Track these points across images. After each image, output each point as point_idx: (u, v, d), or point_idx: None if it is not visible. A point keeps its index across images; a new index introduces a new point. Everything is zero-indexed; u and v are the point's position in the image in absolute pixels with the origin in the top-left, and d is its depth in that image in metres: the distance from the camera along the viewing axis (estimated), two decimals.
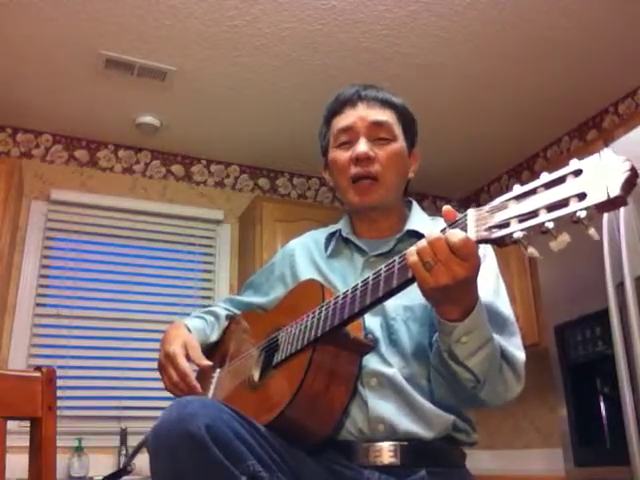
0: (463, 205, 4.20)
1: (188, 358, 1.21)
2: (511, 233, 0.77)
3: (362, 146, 1.20)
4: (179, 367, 1.18)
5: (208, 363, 1.22)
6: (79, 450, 2.87)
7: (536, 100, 3.10)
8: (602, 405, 2.09)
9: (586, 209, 0.70)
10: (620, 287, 1.94)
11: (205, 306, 1.53)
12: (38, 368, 1.11)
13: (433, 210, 4.10)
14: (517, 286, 3.00)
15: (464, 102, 3.13)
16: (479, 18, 2.55)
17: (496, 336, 1.03)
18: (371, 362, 1.10)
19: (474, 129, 3.38)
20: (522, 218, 0.76)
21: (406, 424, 1.06)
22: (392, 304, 1.11)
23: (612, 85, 2.99)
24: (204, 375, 1.30)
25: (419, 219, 1.26)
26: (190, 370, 1.19)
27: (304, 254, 1.33)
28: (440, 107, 3.14)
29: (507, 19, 2.55)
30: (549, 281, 2.38)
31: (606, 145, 2.17)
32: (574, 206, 0.71)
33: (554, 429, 3.08)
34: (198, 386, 1.17)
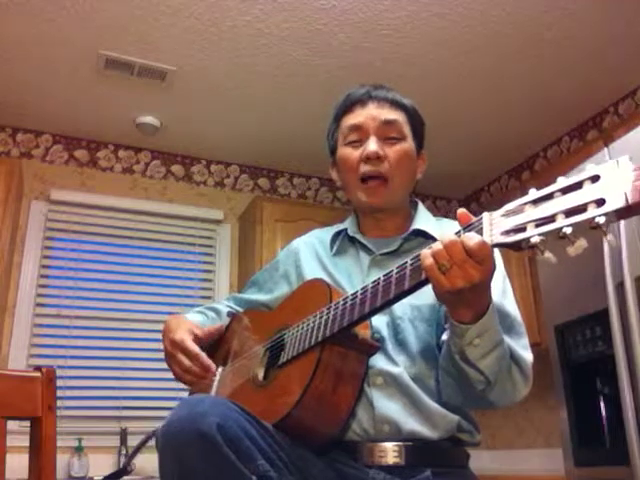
0: (463, 205, 4.20)
1: (196, 338, 1.21)
2: (528, 237, 0.77)
3: (372, 145, 1.20)
4: (189, 350, 1.18)
5: (218, 326, 1.27)
6: (79, 450, 2.87)
7: (536, 100, 3.10)
8: (602, 405, 2.09)
9: (605, 215, 0.70)
10: (620, 287, 1.95)
11: None
12: (38, 368, 1.11)
13: (434, 210, 4.10)
14: (517, 286, 2.99)
15: (464, 102, 3.13)
16: (479, 18, 2.55)
17: (504, 337, 1.03)
18: (378, 361, 1.10)
19: (474, 129, 3.38)
20: (539, 223, 0.76)
21: (411, 424, 1.06)
22: (399, 303, 1.10)
23: (612, 85, 2.99)
24: (205, 374, 1.29)
25: (425, 219, 1.27)
26: (201, 350, 1.19)
27: (309, 252, 1.33)
28: (440, 107, 3.14)
29: (507, 19, 2.55)
30: (549, 281, 2.38)
31: (606, 145, 2.17)
32: (593, 212, 0.71)
33: (554, 429, 3.08)
34: (212, 364, 1.17)
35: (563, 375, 2.21)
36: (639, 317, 1.88)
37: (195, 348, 1.18)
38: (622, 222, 1.99)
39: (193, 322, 1.31)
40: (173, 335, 1.21)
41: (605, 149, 2.14)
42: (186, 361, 1.18)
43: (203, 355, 1.17)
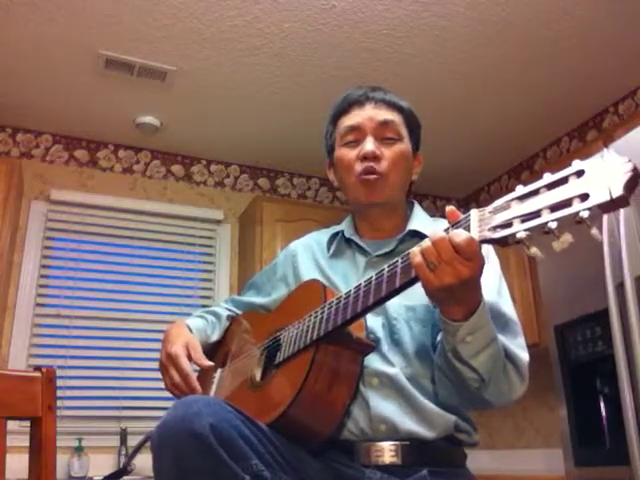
0: (463, 205, 4.20)
1: (190, 358, 1.21)
2: (514, 233, 0.78)
3: (369, 145, 1.21)
4: (181, 368, 1.18)
5: (210, 364, 1.22)
6: (79, 450, 2.87)
7: (536, 100, 3.10)
8: (602, 405, 2.09)
9: (589, 209, 0.70)
10: (620, 287, 1.94)
11: (205, 306, 1.53)
12: (38, 368, 1.11)
13: (433, 210, 4.10)
14: (517, 286, 3.00)
15: (464, 102, 3.13)
16: (479, 18, 2.55)
17: (499, 336, 1.03)
18: (373, 362, 1.10)
19: (474, 129, 3.38)
20: (525, 218, 0.77)
21: (408, 424, 1.07)
22: (394, 304, 1.11)
23: (612, 85, 2.99)
24: (205, 375, 1.30)
25: (420, 219, 1.27)
26: (192, 371, 1.19)
27: (306, 255, 1.33)
28: (440, 107, 3.14)
29: (507, 19, 2.55)
30: (549, 281, 2.38)
31: (606, 145, 2.17)
32: (577, 206, 0.72)
33: (554, 429, 3.08)
34: (199, 387, 1.18)
35: (563, 375, 2.21)
36: (639, 317, 1.88)
37: (187, 367, 1.18)
38: (622, 222, 1.99)
39: (194, 328, 1.31)
40: (170, 347, 1.22)
41: (605, 149, 2.14)
42: (177, 377, 1.18)
43: (193, 377, 1.18)
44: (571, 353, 2.19)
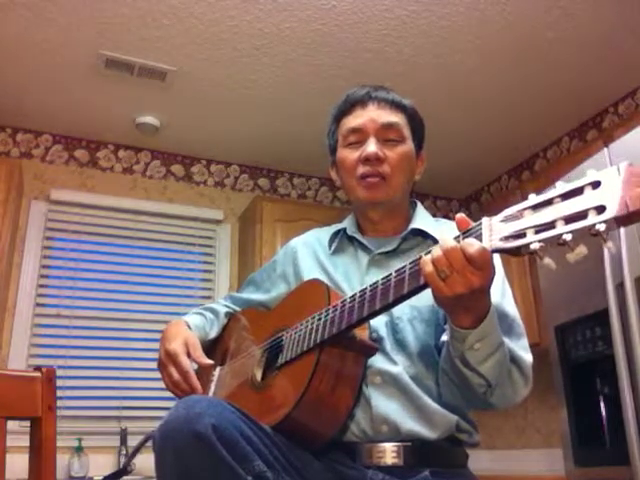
0: (464, 205, 4.20)
1: (189, 356, 1.20)
2: (528, 244, 0.76)
3: (372, 147, 1.20)
4: (180, 365, 1.18)
5: (209, 362, 1.22)
6: (79, 450, 2.87)
7: (536, 100, 3.10)
8: (602, 405, 2.09)
9: (605, 222, 0.69)
10: (620, 287, 1.95)
11: None
12: (38, 368, 1.11)
13: (433, 210, 4.10)
14: (517, 286, 2.99)
15: (464, 102, 3.13)
16: (479, 18, 2.55)
17: (504, 338, 1.03)
18: (376, 361, 1.09)
19: (474, 129, 3.37)
20: (539, 229, 0.76)
21: (410, 424, 1.06)
22: None
23: (612, 85, 2.99)
24: (204, 373, 1.29)
25: (423, 219, 1.27)
26: (192, 369, 1.19)
27: (307, 252, 1.33)
28: (440, 107, 3.14)
29: (507, 19, 2.55)
30: (549, 281, 2.38)
31: (606, 145, 2.17)
32: (593, 219, 0.70)
33: (554, 429, 3.08)
34: (199, 385, 1.17)
35: (563, 375, 2.22)
36: (639, 317, 1.88)
37: (186, 365, 1.18)
38: None
39: (192, 325, 1.31)
40: (168, 345, 1.21)
41: (605, 149, 2.14)
42: (176, 375, 1.18)
43: (192, 374, 1.17)
44: (571, 353, 2.20)
